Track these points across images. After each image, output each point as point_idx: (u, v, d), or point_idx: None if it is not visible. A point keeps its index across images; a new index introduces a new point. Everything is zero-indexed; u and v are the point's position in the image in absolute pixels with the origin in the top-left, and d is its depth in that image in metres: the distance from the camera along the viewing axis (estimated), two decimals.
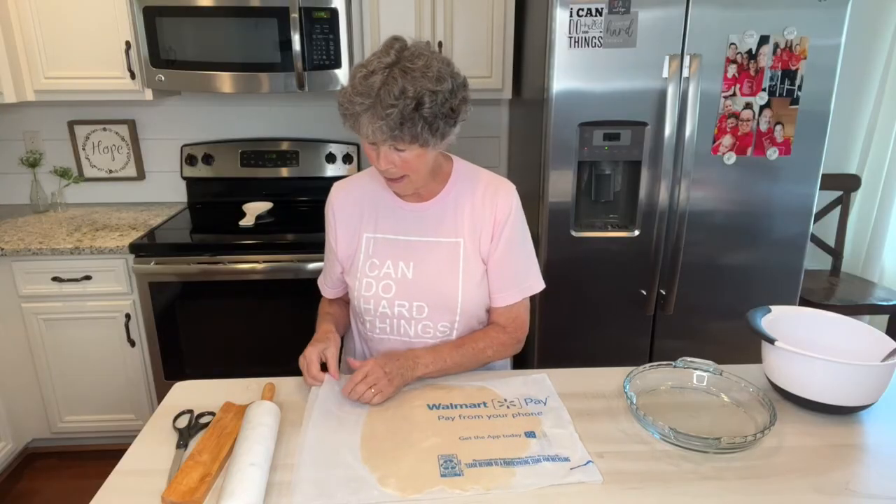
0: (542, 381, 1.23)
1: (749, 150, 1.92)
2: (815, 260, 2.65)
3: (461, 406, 1.14)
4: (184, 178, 2.62)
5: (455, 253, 1.25)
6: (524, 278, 1.30)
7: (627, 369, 1.21)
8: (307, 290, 1.68)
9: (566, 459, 0.99)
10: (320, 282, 1.43)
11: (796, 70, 1.86)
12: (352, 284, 1.29)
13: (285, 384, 1.22)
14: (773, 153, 1.92)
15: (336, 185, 1.33)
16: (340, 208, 1.30)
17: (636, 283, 2.03)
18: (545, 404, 1.14)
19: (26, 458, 2.39)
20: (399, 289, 1.25)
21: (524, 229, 1.29)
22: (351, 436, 1.05)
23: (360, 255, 1.28)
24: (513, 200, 1.26)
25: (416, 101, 1.05)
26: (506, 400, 1.16)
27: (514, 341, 1.31)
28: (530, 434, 1.06)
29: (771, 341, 1.11)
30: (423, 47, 1.10)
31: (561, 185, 1.95)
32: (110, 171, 2.67)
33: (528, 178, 2.19)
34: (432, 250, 1.25)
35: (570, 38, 1.81)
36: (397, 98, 1.04)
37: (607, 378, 1.24)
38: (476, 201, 1.26)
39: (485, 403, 1.15)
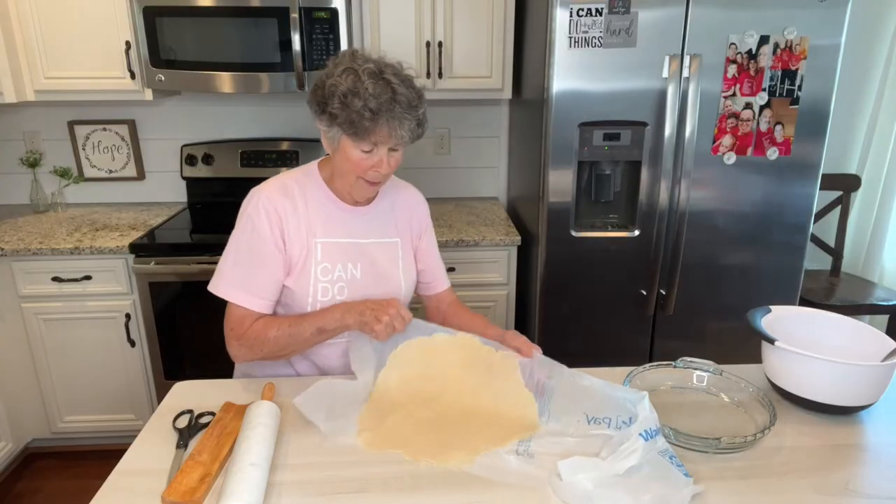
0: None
1: (749, 150, 1.92)
2: (815, 260, 2.65)
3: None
4: (184, 178, 2.62)
5: (394, 251, 1.35)
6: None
7: (627, 369, 1.21)
8: None
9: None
10: (242, 298, 1.22)
11: (796, 70, 1.86)
12: (298, 290, 1.24)
13: (285, 384, 1.23)
14: (773, 153, 1.92)
15: (268, 189, 1.23)
16: (285, 211, 1.22)
17: (636, 283, 2.03)
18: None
19: (26, 458, 2.39)
20: (350, 290, 1.27)
21: None
22: (362, 393, 1.14)
23: (311, 261, 1.24)
24: (423, 197, 1.45)
25: (422, 100, 1.16)
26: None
27: None
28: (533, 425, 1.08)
29: (771, 341, 1.11)
30: (373, 55, 1.17)
31: (561, 185, 1.95)
32: (110, 171, 2.67)
33: (528, 178, 2.19)
34: (376, 251, 1.32)
35: (570, 38, 1.81)
36: (416, 100, 1.14)
37: (607, 378, 1.23)
38: (404, 203, 1.39)
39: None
